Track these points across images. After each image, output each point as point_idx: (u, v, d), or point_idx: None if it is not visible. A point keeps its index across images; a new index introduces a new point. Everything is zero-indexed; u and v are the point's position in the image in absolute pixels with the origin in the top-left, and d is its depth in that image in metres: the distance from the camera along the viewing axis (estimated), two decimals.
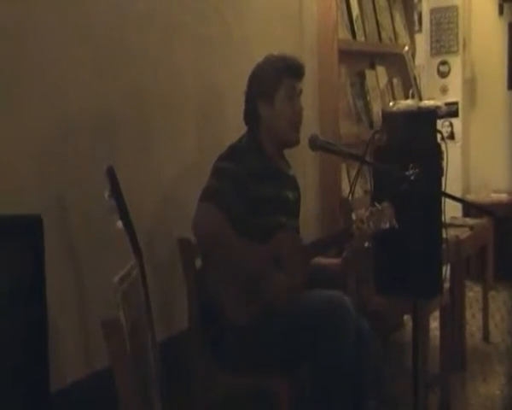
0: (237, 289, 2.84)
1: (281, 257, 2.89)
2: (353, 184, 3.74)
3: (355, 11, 4.63)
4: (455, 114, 6.69)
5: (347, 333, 2.79)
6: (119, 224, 2.38)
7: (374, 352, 2.98)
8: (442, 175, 3.47)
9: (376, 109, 4.77)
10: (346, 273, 3.79)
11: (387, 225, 2.95)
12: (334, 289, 3.01)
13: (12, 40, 2.50)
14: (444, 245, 3.69)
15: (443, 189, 3.38)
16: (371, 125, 4.74)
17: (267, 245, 2.86)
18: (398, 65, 5.04)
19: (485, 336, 4.92)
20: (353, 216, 3.02)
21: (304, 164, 4.20)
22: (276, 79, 3.00)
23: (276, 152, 3.09)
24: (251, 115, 3.05)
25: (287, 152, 3.18)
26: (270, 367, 2.87)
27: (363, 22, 4.72)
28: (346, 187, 4.43)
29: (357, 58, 4.79)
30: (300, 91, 3.07)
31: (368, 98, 4.80)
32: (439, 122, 4.70)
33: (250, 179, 2.90)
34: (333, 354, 2.76)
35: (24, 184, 2.54)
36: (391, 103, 4.04)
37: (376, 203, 2.99)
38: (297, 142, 3.06)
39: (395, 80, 5.20)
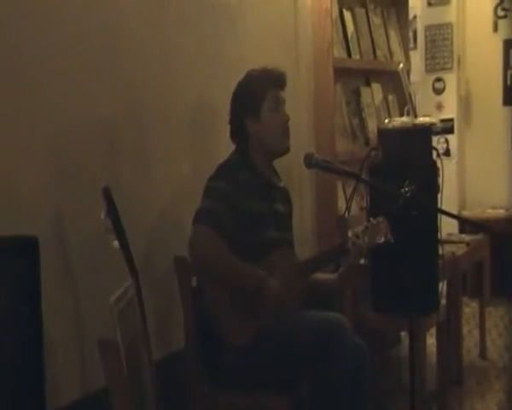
0: (234, 308, 2.85)
1: (276, 275, 2.89)
2: (349, 202, 3.75)
3: (350, 29, 4.65)
4: (450, 130, 6.72)
5: (345, 353, 2.79)
6: (116, 243, 2.38)
7: (371, 370, 2.98)
8: (438, 192, 3.48)
9: (372, 126, 4.79)
10: (343, 289, 3.79)
11: (382, 240, 2.95)
12: (331, 305, 3.01)
13: (8, 56, 2.51)
14: (440, 262, 3.69)
15: (439, 205, 3.39)
16: (367, 142, 4.75)
17: (262, 264, 2.86)
18: (394, 82, 5.06)
19: (482, 353, 4.92)
20: (349, 233, 3.02)
21: (300, 182, 4.21)
22: (259, 93, 3.02)
23: (266, 166, 3.10)
24: (239, 133, 3.07)
25: (281, 168, 3.19)
26: (268, 386, 2.86)
27: (358, 40, 4.74)
28: (342, 204, 4.43)
29: (353, 76, 4.80)
30: (284, 100, 3.09)
31: (363, 115, 4.82)
32: (435, 139, 4.73)
33: (241, 196, 2.91)
34: (331, 373, 2.77)
35: (20, 204, 2.53)
36: (386, 120, 4.05)
37: (371, 218, 2.99)
38: (287, 149, 3.08)
39: (390, 97, 5.22)
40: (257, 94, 3.02)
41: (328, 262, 3.16)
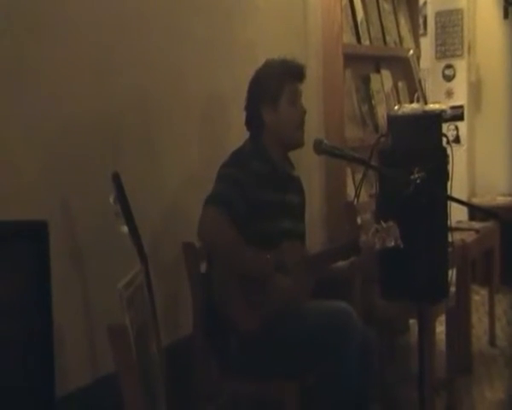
0: (243, 294, 2.85)
1: (285, 266, 2.89)
2: (358, 189, 3.74)
3: (360, 15, 4.63)
4: (460, 117, 6.68)
5: (351, 342, 2.80)
6: (125, 229, 2.38)
7: (379, 359, 2.98)
8: (447, 179, 3.46)
9: (381, 113, 4.77)
10: (353, 277, 3.79)
11: (392, 244, 2.95)
12: (339, 292, 3.01)
13: (15, 46, 2.51)
14: (450, 249, 3.68)
15: (448, 192, 3.38)
16: (376, 129, 4.74)
17: (271, 252, 2.86)
18: (403, 69, 5.04)
19: (492, 340, 4.91)
20: (358, 220, 3.02)
21: (309, 168, 4.20)
22: (278, 84, 2.99)
23: (280, 155, 3.08)
24: (254, 121, 3.05)
25: (290, 154, 3.18)
26: (275, 373, 2.87)
27: (367, 26, 4.72)
28: (351, 191, 4.42)
29: (362, 62, 4.79)
30: (301, 93, 3.07)
31: (373, 102, 4.80)
32: (445, 126, 4.69)
33: (254, 185, 2.90)
34: (337, 363, 2.78)
35: (29, 190, 2.54)
36: (396, 107, 4.03)
37: (382, 221, 3.00)
38: (302, 143, 3.07)
39: (400, 84, 5.20)
40: (276, 85, 3.00)
41: (338, 259, 3.15)
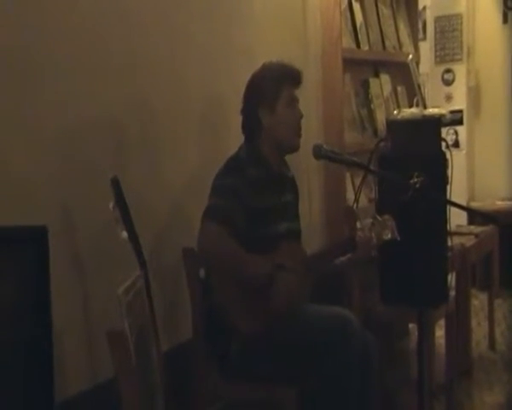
0: (243, 297, 2.84)
1: (285, 268, 2.89)
2: (358, 193, 3.74)
3: (359, 20, 4.63)
4: (459, 121, 6.69)
5: (352, 349, 2.81)
6: (124, 234, 2.38)
7: (379, 364, 2.98)
8: (447, 183, 3.47)
9: (381, 118, 4.78)
10: (351, 280, 3.80)
11: (389, 237, 2.97)
12: (339, 297, 3.02)
13: (18, 49, 2.51)
14: (449, 253, 3.68)
15: (448, 197, 3.38)
16: (376, 133, 4.74)
17: (271, 256, 2.86)
18: (403, 73, 5.04)
19: (491, 345, 4.91)
20: (358, 225, 3.03)
21: (308, 173, 4.20)
22: (276, 86, 3.00)
23: (276, 158, 3.08)
24: (251, 124, 3.05)
25: (290, 158, 3.19)
26: (275, 378, 2.86)
27: (367, 31, 4.73)
28: (350, 196, 4.43)
29: (362, 67, 4.79)
30: (298, 99, 3.08)
31: (372, 107, 4.81)
32: (444, 130, 4.70)
33: (250, 192, 2.90)
34: (337, 368, 2.78)
35: (29, 195, 2.54)
36: (395, 112, 4.04)
37: (377, 215, 3.01)
38: (297, 147, 3.08)
39: (399, 89, 5.20)
40: (274, 87, 3.00)
41: (336, 257, 3.16)
